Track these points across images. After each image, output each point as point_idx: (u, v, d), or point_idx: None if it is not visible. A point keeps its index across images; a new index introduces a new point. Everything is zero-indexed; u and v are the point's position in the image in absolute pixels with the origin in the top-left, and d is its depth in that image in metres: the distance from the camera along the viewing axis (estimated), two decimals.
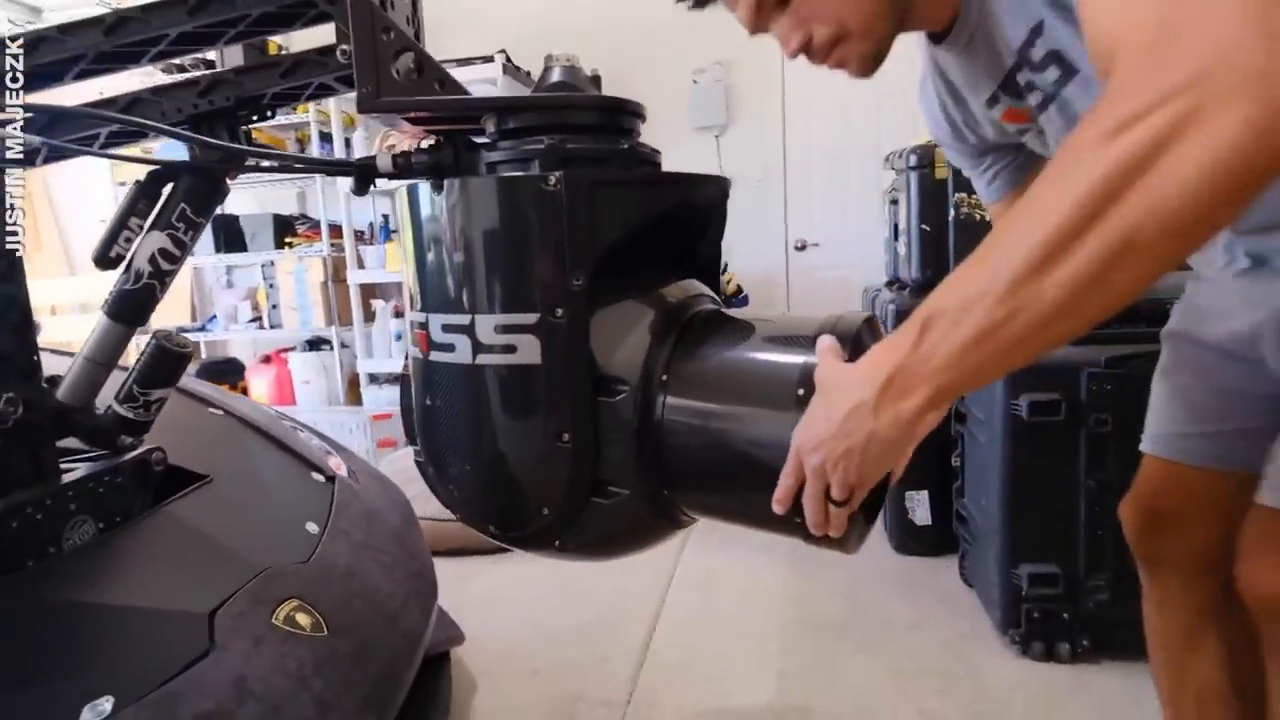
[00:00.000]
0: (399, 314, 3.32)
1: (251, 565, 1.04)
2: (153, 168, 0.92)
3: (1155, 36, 0.42)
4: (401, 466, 2.42)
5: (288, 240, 3.49)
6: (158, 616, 0.91)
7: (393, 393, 3.32)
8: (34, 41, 0.86)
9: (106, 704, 0.76)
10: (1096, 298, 0.44)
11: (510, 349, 0.75)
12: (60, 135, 0.91)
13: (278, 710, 0.86)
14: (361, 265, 3.28)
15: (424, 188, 0.79)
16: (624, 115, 0.83)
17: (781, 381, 0.69)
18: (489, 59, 3.07)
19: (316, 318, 3.40)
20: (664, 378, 0.75)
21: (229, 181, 0.95)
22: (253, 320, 3.63)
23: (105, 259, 0.92)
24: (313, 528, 1.23)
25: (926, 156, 1.93)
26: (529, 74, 3.30)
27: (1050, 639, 1.59)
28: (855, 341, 0.68)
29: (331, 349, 3.44)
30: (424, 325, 0.81)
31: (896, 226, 2.11)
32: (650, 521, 0.83)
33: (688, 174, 0.82)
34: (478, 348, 0.76)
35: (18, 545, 0.89)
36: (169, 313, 3.82)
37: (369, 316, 3.38)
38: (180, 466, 1.18)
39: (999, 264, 0.46)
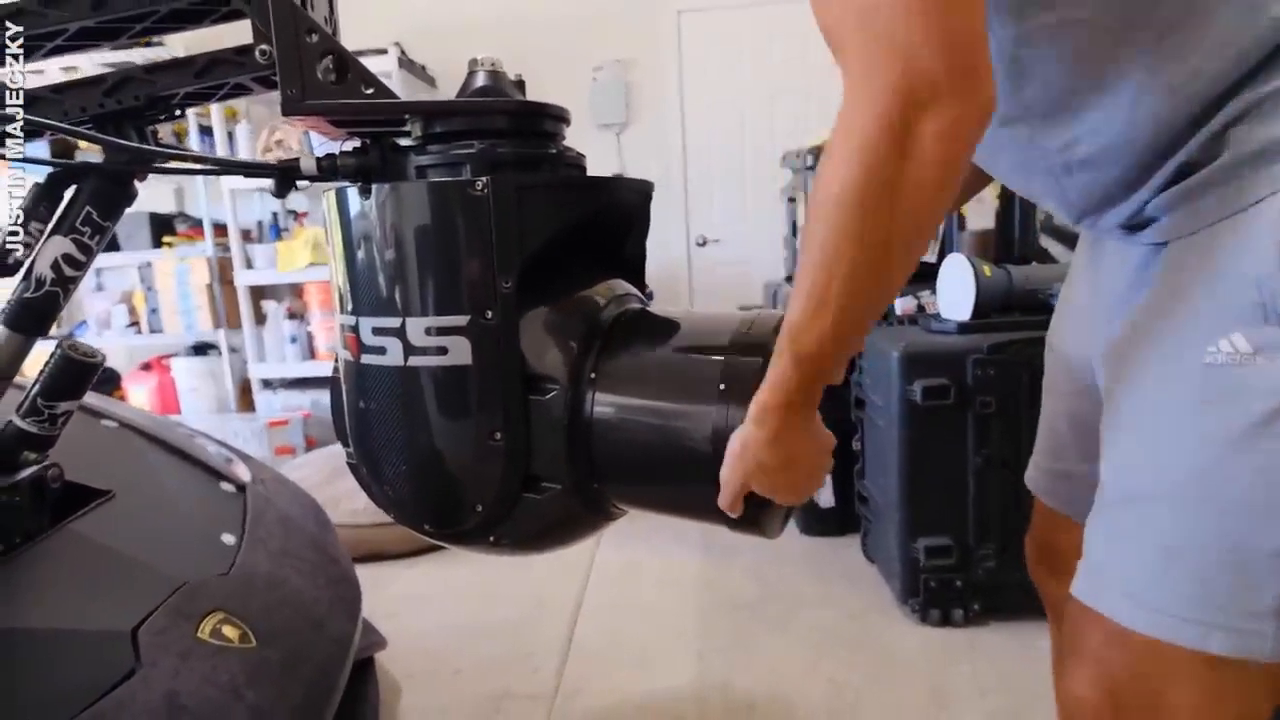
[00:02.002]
0: (292, 315, 3.20)
1: (170, 579, 1.00)
2: (53, 169, 0.87)
3: (867, 50, 0.49)
4: (303, 475, 2.35)
5: (166, 240, 3.29)
6: (76, 637, 0.87)
7: (288, 398, 3.20)
8: None
9: None
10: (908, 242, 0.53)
11: (442, 350, 0.77)
12: None
13: None
14: (250, 265, 3.14)
15: (352, 192, 0.80)
16: (549, 120, 0.86)
17: (705, 378, 0.74)
18: (383, 51, 2.99)
19: (202, 321, 3.22)
20: (592, 376, 0.79)
21: (137, 183, 0.91)
22: (130, 325, 3.40)
23: (2, 265, 0.87)
24: (229, 538, 1.19)
25: None
26: (424, 68, 3.24)
27: (946, 606, 1.73)
28: (770, 344, 0.73)
29: (220, 354, 3.27)
30: (354, 328, 0.81)
31: (795, 224, 2.22)
32: (581, 515, 0.86)
33: (611, 178, 0.86)
34: (409, 350, 0.78)
35: None
36: None
37: (260, 319, 3.24)
38: (76, 483, 1.13)
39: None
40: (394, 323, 0.78)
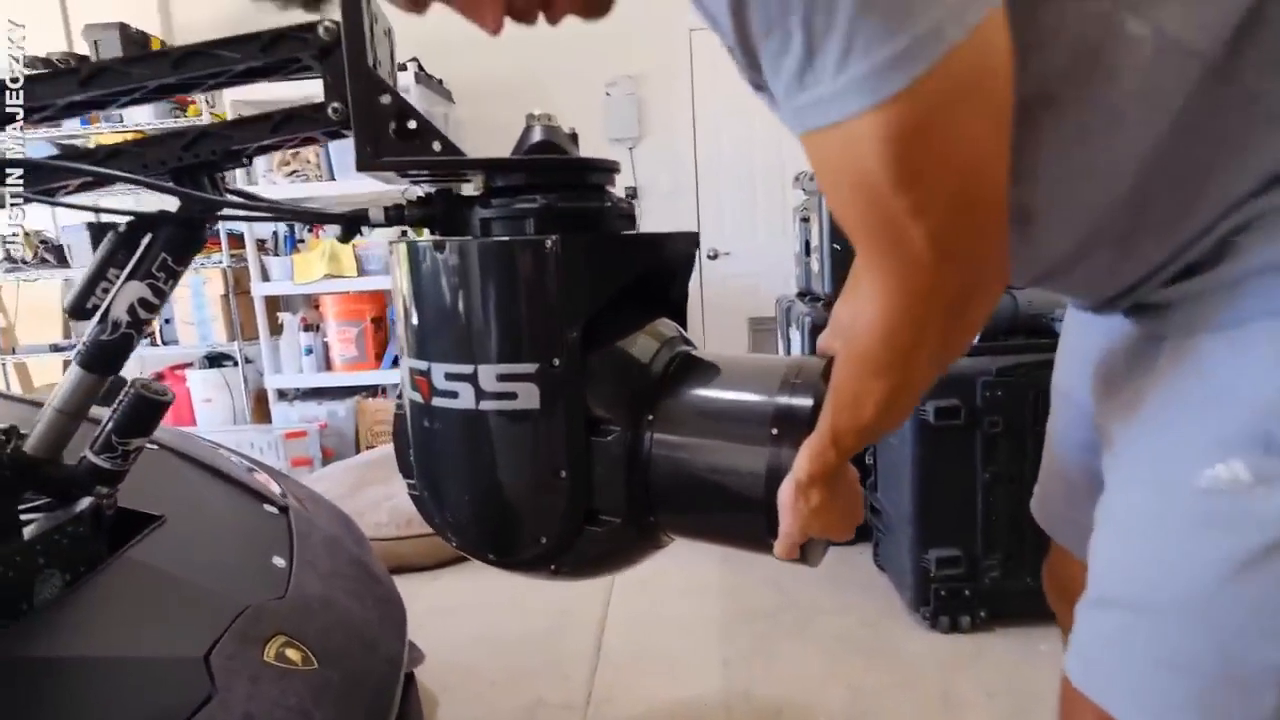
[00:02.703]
0: (308, 327, 3.24)
1: (232, 605, 1.04)
2: (131, 218, 0.92)
3: (887, 253, 0.53)
4: (325, 488, 2.39)
5: None
6: (153, 665, 0.91)
7: (304, 409, 3.24)
8: None
9: None
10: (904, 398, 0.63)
11: (511, 396, 0.82)
12: (30, 186, 0.89)
13: None
14: (266, 277, 3.17)
15: (424, 246, 0.84)
16: (605, 174, 0.91)
17: (758, 422, 0.80)
18: (402, 68, 3.03)
19: (217, 332, 3.25)
20: (650, 418, 0.84)
21: (209, 228, 0.96)
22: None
23: (81, 310, 0.92)
24: (279, 562, 1.23)
25: None
26: (440, 81, 3.28)
27: (954, 613, 1.79)
28: (816, 392, 0.79)
29: (235, 365, 3.31)
30: (425, 373, 0.86)
31: (808, 243, 2.28)
32: (636, 544, 0.92)
33: (667, 233, 0.91)
34: (480, 395, 0.82)
35: None
36: (38, 329, 3.55)
37: (275, 330, 3.27)
38: (127, 508, 1.17)
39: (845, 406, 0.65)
40: (466, 369, 0.82)
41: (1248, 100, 0.51)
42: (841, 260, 2.09)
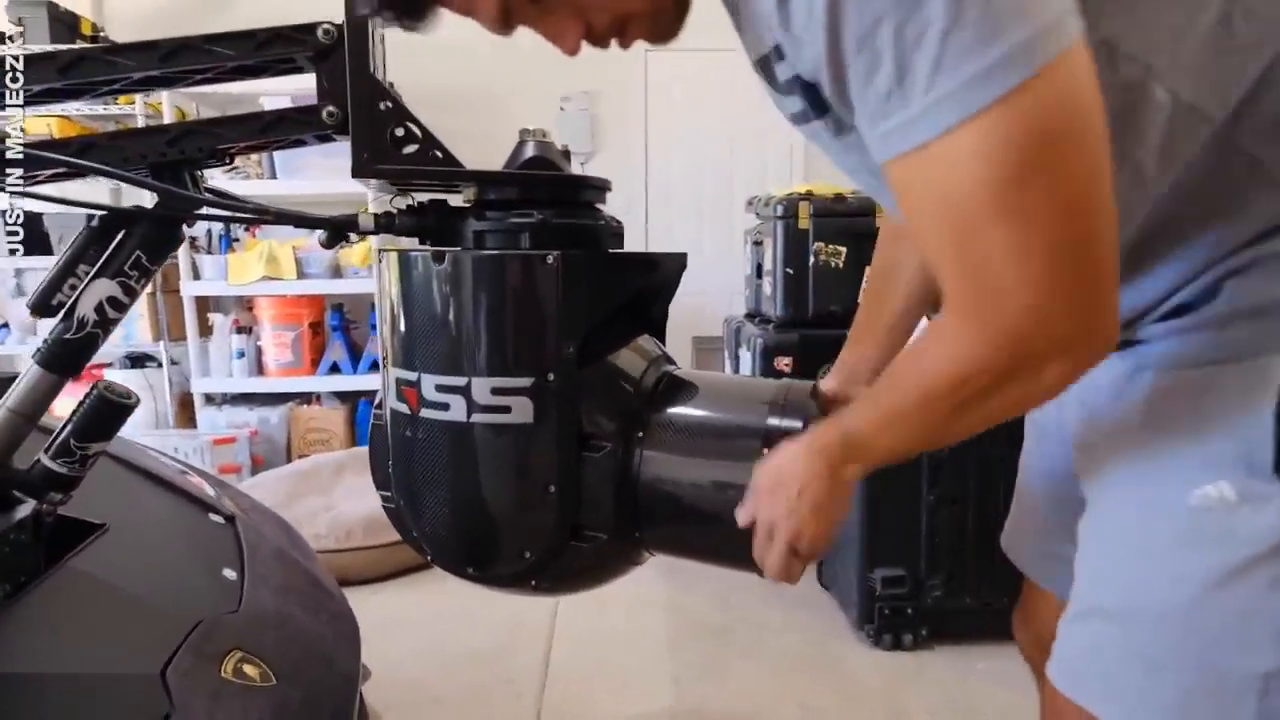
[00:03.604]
0: (240, 329, 3.12)
1: (185, 618, 1.00)
2: (104, 213, 0.88)
3: (976, 293, 0.51)
4: (259, 497, 2.29)
5: None
6: (107, 682, 0.87)
7: (233, 414, 3.11)
8: None
9: None
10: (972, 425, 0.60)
11: (504, 409, 0.82)
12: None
13: None
14: (197, 275, 3.04)
15: (420, 257, 0.83)
16: (598, 192, 0.93)
17: (747, 439, 0.82)
18: None
19: (141, 331, 3.09)
20: (640, 434, 0.85)
21: (186, 227, 0.93)
22: None
23: (46, 307, 0.87)
24: (230, 574, 1.19)
25: (791, 208, 2.16)
26: (392, 85, 3.23)
27: (897, 631, 1.85)
28: (806, 414, 0.82)
29: (159, 366, 3.15)
30: (414, 384, 0.85)
31: (760, 266, 2.33)
32: (618, 560, 0.93)
33: (661, 254, 0.93)
34: (473, 407, 0.82)
35: None
36: None
37: (205, 331, 3.13)
38: (66, 515, 1.10)
39: (909, 406, 0.64)
40: (459, 381, 0.82)
41: (1247, 163, 0.56)
42: (794, 284, 2.15)
